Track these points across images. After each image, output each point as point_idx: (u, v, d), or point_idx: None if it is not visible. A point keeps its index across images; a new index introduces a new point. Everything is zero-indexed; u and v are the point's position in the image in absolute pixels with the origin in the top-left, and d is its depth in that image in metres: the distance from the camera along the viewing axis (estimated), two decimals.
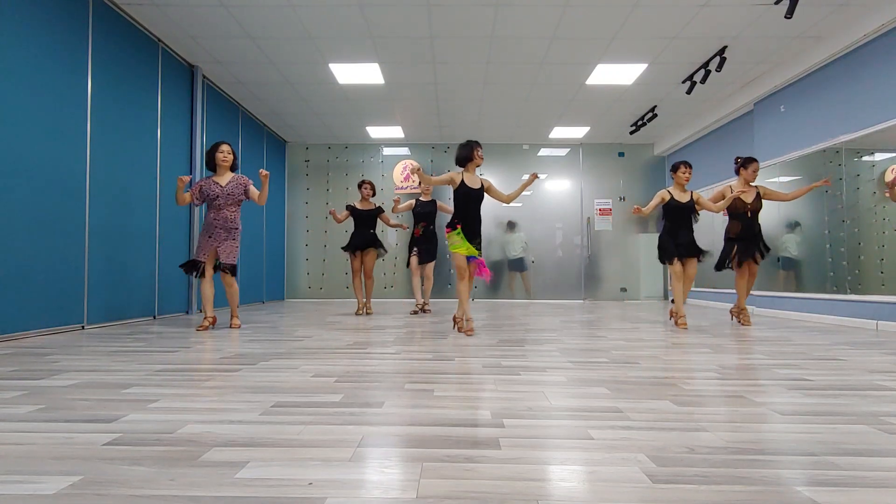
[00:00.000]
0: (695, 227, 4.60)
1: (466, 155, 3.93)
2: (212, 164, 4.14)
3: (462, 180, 3.91)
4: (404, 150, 9.12)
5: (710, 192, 6.67)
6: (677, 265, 4.49)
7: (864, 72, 4.67)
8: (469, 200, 3.90)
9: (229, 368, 2.48)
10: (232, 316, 4.33)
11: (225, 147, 4.13)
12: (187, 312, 5.70)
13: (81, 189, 4.10)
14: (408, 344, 3.38)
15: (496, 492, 1.10)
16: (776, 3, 4.27)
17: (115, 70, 4.51)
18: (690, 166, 4.59)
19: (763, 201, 4.65)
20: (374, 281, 5.83)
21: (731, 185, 4.74)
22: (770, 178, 5.87)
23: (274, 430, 1.52)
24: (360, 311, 5.79)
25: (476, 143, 3.97)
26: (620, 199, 9.15)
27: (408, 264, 5.83)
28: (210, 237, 4.05)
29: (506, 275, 9.04)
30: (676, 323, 4.47)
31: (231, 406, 1.78)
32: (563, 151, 9.18)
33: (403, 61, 5.72)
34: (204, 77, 6.07)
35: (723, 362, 2.71)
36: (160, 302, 5.20)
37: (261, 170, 4.01)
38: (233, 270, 4.11)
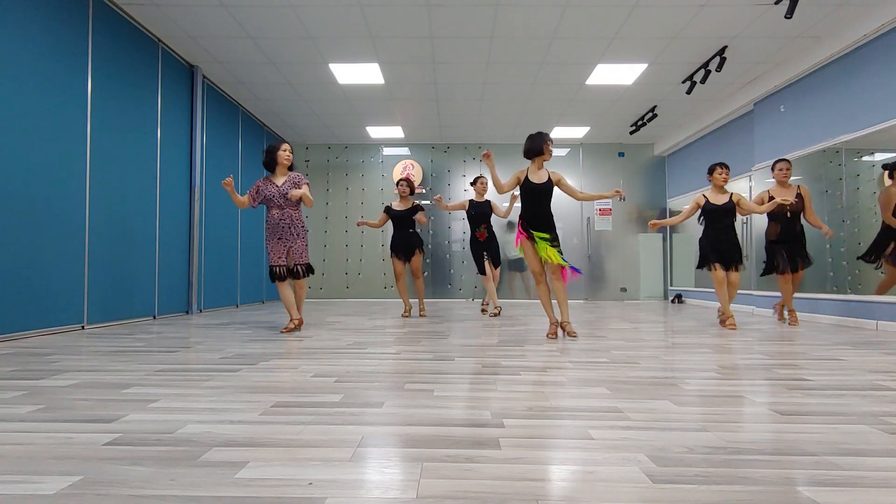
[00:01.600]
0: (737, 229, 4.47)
1: (535, 149, 3.66)
2: (271, 165, 4.02)
3: (526, 176, 3.71)
4: (404, 150, 9.12)
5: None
6: (719, 271, 4.36)
7: (864, 72, 4.66)
8: (534, 196, 3.67)
9: (229, 368, 2.48)
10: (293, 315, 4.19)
11: (287, 146, 4.04)
12: (187, 312, 5.70)
13: (81, 189, 4.09)
14: (408, 344, 3.38)
15: (496, 492, 1.10)
16: (776, 3, 4.27)
17: (115, 70, 4.51)
18: (727, 167, 4.47)
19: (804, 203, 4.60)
20: (422, 280, 5.47)
21: (770, 189, 4.70)
22: (770, 178, 5.85)
23: (274, 430, 1.52)
24: (407, 314, 5.46)
25: (547, 135, 3.68)
26: (620, 199, 9.15)
27: (481, 271, 5.51)
28: (280, 239, 3.96)
29: (506, 275, 9.04)
30: (724, 324, 4.39)
31: (231, 406, 1.78)
32: (563, 151, 9.18)
33: (403, 61, 5.72)
34: (204, 77, 6.06)
35: (723, 362, 2.71)
36: (160, 302, 5.20)
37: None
38: (306, 270, 4.04)
